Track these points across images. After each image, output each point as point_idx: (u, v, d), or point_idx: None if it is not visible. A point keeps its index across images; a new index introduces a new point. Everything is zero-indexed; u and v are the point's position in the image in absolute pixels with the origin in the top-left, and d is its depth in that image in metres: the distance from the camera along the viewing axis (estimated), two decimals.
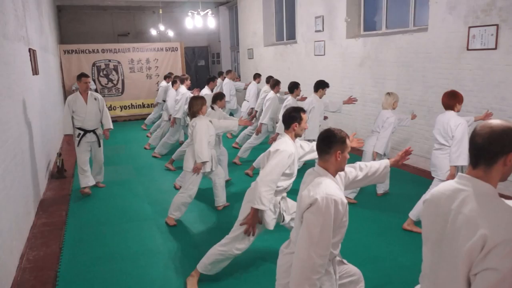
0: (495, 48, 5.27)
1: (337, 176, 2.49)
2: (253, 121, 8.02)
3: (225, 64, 16.55)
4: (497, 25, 5.20)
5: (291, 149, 3.26)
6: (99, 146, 6.04)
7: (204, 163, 4.72)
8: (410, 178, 6.45)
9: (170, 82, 9.31)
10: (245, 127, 8.47)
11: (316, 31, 9.27)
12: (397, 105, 5.31)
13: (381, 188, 5.67)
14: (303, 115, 3.33)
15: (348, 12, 8.17)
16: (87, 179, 5.93)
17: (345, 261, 2.68)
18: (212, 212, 5.30)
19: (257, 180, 3.20)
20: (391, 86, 7.16)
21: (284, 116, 3.37)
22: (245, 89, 10.58)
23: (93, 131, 5.88)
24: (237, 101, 10.97)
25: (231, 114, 10.36)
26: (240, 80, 12.40)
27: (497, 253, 1.39)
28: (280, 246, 2.62)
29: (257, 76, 10.12)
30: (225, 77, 10.98)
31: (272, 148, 3.27)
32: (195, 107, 4.84)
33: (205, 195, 5.70)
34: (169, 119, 8.34)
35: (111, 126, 6.07)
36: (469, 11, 5.57)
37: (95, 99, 5.90)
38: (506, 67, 5.20)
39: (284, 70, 11.00)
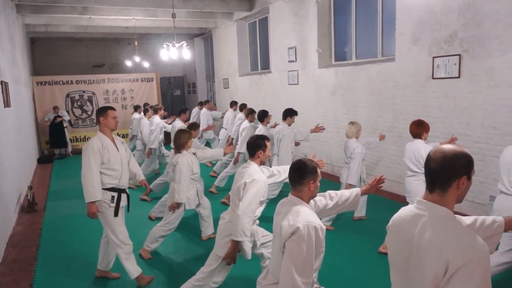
0: (459, 77, 5.54)
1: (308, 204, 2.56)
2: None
3: (201, 94, 16.67)
4: (459, 55, 5.49)
5: (264, 177, 3.32)
6: (128, 211, 4.24)
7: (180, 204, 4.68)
8: (384, 203, 6.57)
9: (142, 112, 9.35)
10: None
11: (290, 61, 9.52)
12: (360, 134, 5.43)
13: (358, 212, 5.75)
14: (267, 143, 3.45)
15: (320, 43, 8.46)
16: (135, 265, 4.05)
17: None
18: (189, 242, 5.24)
19: (238, 213, 3.19)
20: (363, 113, 7.37)
21: (249, 144, 3.47)
22: (222, 117, 10.67)
23: (125, 191, 4.11)
24: (214, 130, 11.02)
25: (208, 144, 10.38)
26: (216, 109, 12.52)
27: (459, 276, 1.44)
28: (250, 272, 2.63)
29: (233, 104, 10.24)
30: (202, 107, 11.08)
31: (246, 179, 3.30)
32: (182, 139, 4.76)
33: (183, 224, 5.63)
34: (145, 149, 8.33)
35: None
36: (432, 42, 5.87)
37: (122, 142, 4.17)
38: (469, 94, 5.46)
39: (259, 99, 11.17)
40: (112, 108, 4.06)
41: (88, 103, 12.92)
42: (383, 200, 6.69)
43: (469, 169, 1.62)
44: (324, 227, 2.37)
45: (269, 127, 6.91)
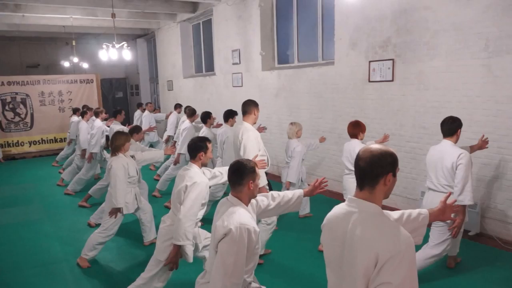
0: (392, 80, 5.85)
1: (249, 205, 2.57)
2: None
3: (144, 96, 16.29)
4: (392, 59, 5.80)
5: (205, 179, 3.30)
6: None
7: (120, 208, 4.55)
8: (327, 201, 6.76)
9: (80, 116, 8.97)
10: (167, 157, 8.33)
11: (234, 63, 9.56)
12: (301, 133, 5.59)
13: (303, 210, 5.89)
14: (209, 145, 3.44)
15: (263, 46, 8.57)
16: None
17: (263, 287, 2.72)
18: (131, 248, 5.09)
19: (180, 217, 3.17)
20: (305, 115, 7.56)
21: (189, 146, 3.43)
22: (166, 119, 10.49)
23: None
24: (158, 132, 10.81)
25: (151, 146, 10.16)
26: (160, 111, 12.28)
27: (388, 268, 1.54)
28: (192, 276, 2.62)
29: (177, 106, 10.10)
30: (144, 109, 10.82)
31: (187, 181, 3.26)
32: (117, 141, 4.63)
33: (124, 229, 5.47)
34: (82, 153, 7.98)
35: None
36: (368, 47, 6.14)
37: None
38: (402, 97, 5.77)
39: (204, 101, 11.11)
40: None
41: (22, 106, 12.15)
42: (325, 199, 6.88)
43: (394, 167, 1.74)
44: (258, 229, 2.39)
45: (212, 128, 6.88)
